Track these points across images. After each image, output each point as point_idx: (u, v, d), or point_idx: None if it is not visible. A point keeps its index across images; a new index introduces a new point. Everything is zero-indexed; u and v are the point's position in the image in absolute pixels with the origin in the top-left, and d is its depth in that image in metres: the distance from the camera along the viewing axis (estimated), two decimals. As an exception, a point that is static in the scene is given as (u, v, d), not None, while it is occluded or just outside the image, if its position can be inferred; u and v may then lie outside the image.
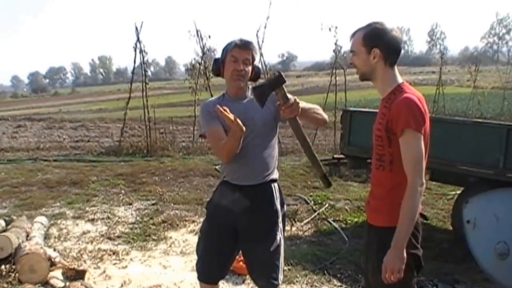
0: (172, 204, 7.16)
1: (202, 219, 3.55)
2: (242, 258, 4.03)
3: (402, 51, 2.57)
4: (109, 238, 5.76)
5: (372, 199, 2.64)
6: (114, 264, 5.02)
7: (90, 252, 5.29)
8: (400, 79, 2.50)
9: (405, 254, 2.36)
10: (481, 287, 4.52)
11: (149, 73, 13.51)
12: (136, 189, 8.08)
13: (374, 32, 2.46)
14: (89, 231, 5.99)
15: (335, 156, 9.63)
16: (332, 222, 6.29)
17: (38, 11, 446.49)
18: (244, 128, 2.77)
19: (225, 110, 2.76)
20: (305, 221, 6.33)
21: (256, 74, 3.14)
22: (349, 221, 6.35)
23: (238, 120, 2.75)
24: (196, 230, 5.89)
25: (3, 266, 4.40)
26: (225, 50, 3.04)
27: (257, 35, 12.21)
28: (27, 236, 5.00)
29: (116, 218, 6.49)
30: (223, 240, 3.17)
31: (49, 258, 4.44)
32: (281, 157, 10.17)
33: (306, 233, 6.00)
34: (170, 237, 5.80)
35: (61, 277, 4.34)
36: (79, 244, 5.56)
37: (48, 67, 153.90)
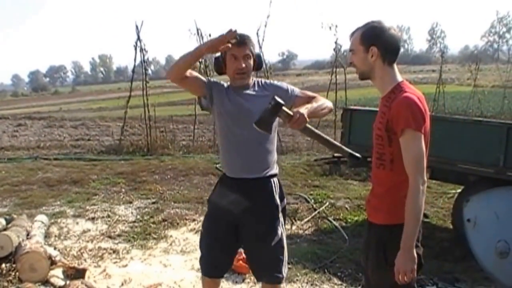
0: (172, 203, 7.16)
1: (202, 218, 3.57)
2: (241, 257, 4.05)
3: (402, 50, 2.57)
4: (110, 237, 5.76)
5: (372, 197, 2.64)
6: (115, 262, 5.02)
7: (91, 250, 5.29)
8: (399, 78, 2.50)
9: (415, 254, 2.36)
10: (482, 286, 4.52)
11: (149, 71, 13.51)
12: (137, 187, 8.08)
13: (372, 30, 2.47)
14: (89, 230, 5.99)
15: (335, 154, 9.63)
16: (332, 220, 6.29)
17: (38, 9, 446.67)
18: (223, 37, 2.80)
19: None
20: (305, 220, 6.33)
21: (258, 64, 3.15)
22: (349, 220, 6.35)
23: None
24: (196, 228, 5.90)
25: (3, 265, 4.40)
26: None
27: (257, 33, 12.18)
28: (28, 234, 5.00)
29: (117, 217, 6.49)
30: (225, 236, 3.20)
31: (50, 257, 4.44)
32: (281, 155, 10.17)
33: (306, 232, 6.01)
34: (171, 236, 5.80)
35: (61, 276, 4.35)
36: (79, 242, 5.56)
37: (49, 66, 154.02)
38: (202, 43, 3.07)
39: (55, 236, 5.73)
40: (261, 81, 3.23)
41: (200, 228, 3.47)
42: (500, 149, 4.90)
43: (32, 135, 16.02)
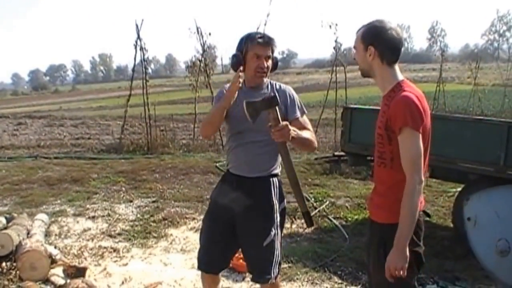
0: (172, 202, 7.16)
1: (202, 217, 3.57)
2: (242, 255, 4.06)
3: (402, 49, 2.56)
4: (110, 236, 5.76)
5: (374, 195, 2.65)
6: (115, 261, 5.03)
7: (91, 249, 5.29)
8: (400, 77, 2.50)
9: (408, 253, 2.37)
10: (482, 285, 4.51)
11: (149, 70, 13.54)
12: (137, 186, 8.09)
13: (372, 30, 2.48)
14: (89, 229, 6.00)
15: (336, 153, 9.64)
16: (332, 219, 6.29)
17: (38, 8, 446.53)
18: (240, 81, 2.94)
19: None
20: (305, 219, 6.32)
21: (274, 66, 3.17)
22: (349, 218, 6.35)
23: (241, 74, 2.92)
24: (196, 227, 5.90)
25: (4, 264, 4.40)
26: (246, 45, 3.05)
27: (257, 32, 12.17)
28: (28, 233, 5.00)
29: (117, 216, 6.49)
30: (223, 231, 3.22)
31: (50, 256, 4.44)
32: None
33: (306, 231, 6.00)
34: (171, 235, 5.80)
35: (61, 275, 4.35)
36: (79, 241, 5.57)
37: (49, 65, 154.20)
38: (217, 101, 3.10)
39: (56, 235, 5.73)
40: (276, 84, 3.24)
41: (200, 226, 3.48)
42: (501, 147, 4.91)
43: (32, 134, 16.02)
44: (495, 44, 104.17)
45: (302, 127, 3.13)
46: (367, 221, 2.75)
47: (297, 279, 4.60)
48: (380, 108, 2.54)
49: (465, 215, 4.76)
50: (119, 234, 5.82)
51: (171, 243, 5.56)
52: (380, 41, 2.45)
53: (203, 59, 12.73)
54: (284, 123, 2.80)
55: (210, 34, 12.70)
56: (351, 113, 6.66)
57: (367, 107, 8.54)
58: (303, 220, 6.15)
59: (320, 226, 6.14)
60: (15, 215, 5.59)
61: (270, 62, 3.09)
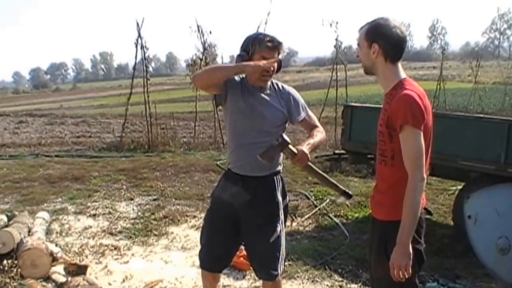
0: (173, 200, 7.17)
1: (203, 214, 3.58)
2: (242, 253, 4.06)
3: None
4: (111, 233, 5.77)
5: (376, 193, 2.66)
6: (116, 259, 5.04)
7: (92, 247, 5.30)
8: (403, 75, 2.50)
9: (410, 250, 2.37)
10: (482, 282, 4.52)
11: (150, 68, 13.57)
12: (138, 184, 8.10)
13: (376, 27, 2.47)
14: (90, 227, 6.01)
15: (336, 151, 9.64)
16: (333, 217, 6.29)
17: (39, 6, 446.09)
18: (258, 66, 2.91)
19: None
20: (306, 217, 6.34)
21: (278, 68, 3.15)
22: (350, 216, 6.36)
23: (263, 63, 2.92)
24: (197, 225, 5.91)
25: (5, 261, 4.40)
26: (253, 47, 3.02)
27: (257, 30, 12.18)
28: (29, 231, 5.01)
29: (118, 214, 6.50)
30: (226, 230, 3.22)
31: (51, 253, 4.45)
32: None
33: (307, 229, 6.01)
34: (172, 232, 5.81)
35: (63, 272, 4.36)
36: (80, 239, 5.58)
37: (50, 63, 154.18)
38: (242, 63, 3.04)
39: (57, 232, 5.74)
40: (279, 85, 3.23)
41: (201, 224, 3.48)
42: (501, 145, 4.90)
43: (33, 132, 16.05)
44: (496, 42, 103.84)
45: (310, 126, 3.22)
46: (367, 219, 2.76)
47: (297, 277, 4.61)
48: (382, 106, 2.55)
49: (466, 213, 4.76)
50: (120, 232, 5.83)
51: (171, 241, 5.57)
52: (384, 39, 2.44)
53: (203, 57, 12.74)
54: (299, 151, 2.85)
55: (210, 32, 12.72)
56: (352, 111, 6.65)
57: (367, 105, 8.53)
58: (303, 218, 6.24)
59: (321, 224, 6.14)
60: (16, 213, 5.60)
61: (275, 65, 3.07)
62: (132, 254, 5.16)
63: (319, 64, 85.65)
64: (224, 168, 8.33)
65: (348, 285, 4.47)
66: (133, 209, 6.74)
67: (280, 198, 3.18)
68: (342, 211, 6.52)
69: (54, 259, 4.47)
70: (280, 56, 3.10)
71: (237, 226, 3.19)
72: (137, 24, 11.76)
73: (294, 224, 6.11)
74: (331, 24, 12.92)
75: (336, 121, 12.33)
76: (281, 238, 3.16)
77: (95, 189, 7.79)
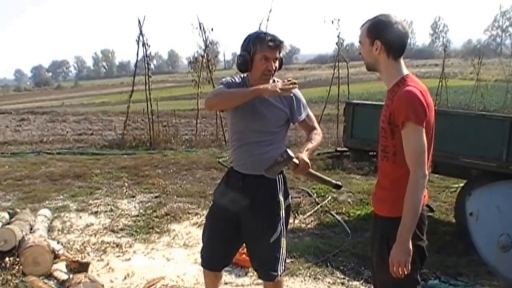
0: (175, 197, 7.17)
1: (205, 212, 3.58)
2: (244, 251, 4.07)
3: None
4: (113, 231, 5.78)
5: (378, 189, 2.66)
6: (118, 256, 5.04)
7: (94, 244, 5.31)
8: (405, 71, 2.50)
9: (411, 247, 2.37)
10: (484, 280, 4.51)
11: (151, 66, 13.53)
12: (139, 182, 8.10)
13: (378, 24, 2.47)
14: (92, 224, 6.01)
15: (338, 149, 9.63)
16: (335, 214, 6.29)
17: (41, 4, 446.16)
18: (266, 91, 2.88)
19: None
20: (308, 214, 6.34)
21: (280, 65, 3.15)
22: (352, 214, 6.35)
23: (281, 87, 2.88)
24: (199, 222, 5.91)
25: (7, 259, 4.41)
26: (254, 46, 3.00)
27: (259, 28, 12.18)
28: (31, 228, 5.01)
29: (119, 211, 6.51)
30: (227, 229, 3.22)
31: (53, 251, 4.46)
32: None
33: (309, 226, 6.01)
34: (173, 230, 5.81)
35: (64, 270, 4.36)
36: (82, 236, 5.58)
37: (51, 61, 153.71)
38: (260, 87, 2.99)
39: (58, 230, 5.75)
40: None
41: (203, 221, 3.49)
42: (503, 143, 4.89)
43: (35, 130, 16.05)
44: (498, 40, 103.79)
45: (309, 127, 3.25)
46: (369, 217, 2.76)
47: (299, 274, 4.61)
48: (384, 102, 2.55)
49: (467, 210, 4.76)
50: (122, 229, 5.84)
51: (173, 238, 5.57)
52: (386, 35, 2.44)
53: (205, 54, 12.73)
54: (301, 160, 2.90)
55: (212, 29, 12.68)
56: (354, 108, 6.63)
57: (369, 102, 8.52)
58: (305, 216, 6.24)
59: (323, 221, 6.14)
60: (18, 210, 5.61)
61: (277, 64, 3.07)
62: (134, 252, 5.17)
63: (321, 61, 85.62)
64: (226, 165, 8.33)
65: (350, 283, 4.47)
66: (134, 207, 6.74)
67: (281, 198, 3.17)
68: (344, 209, 6.52)
69: (56, 257, 4.47)
70: (280, 54, 3.09)
71: (238, 226, 3.19)
72: (139, 21, 11.76)
73: (296, 221, 6.11)
74: (333, 21, 12.90)
75: (338, 119, 12.31)
76: (281, 238, 3.16)
77: (96, 186, 7.79)
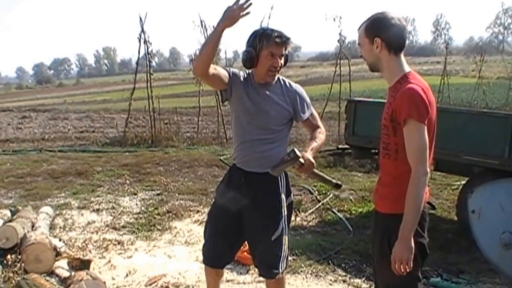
0: (176, 194, 7.17)
1: (206, 209, 3.58)
2: (246, 248, 4.07)
3: (407, 41, 2.56)
4: (114, 228, 5.79)
5: (379, 186, 2.66)
6: (119, 254, 5.04)
7: (95, 242, 5.31)
8: (407, 68, 2.49)
9: (413, 244, 2.37)
10: (486, 277, 4.50)
11: (153, 63, 13.51)
12: (141, 179, 8.11)
13: (375, 22, 2.47)
14: (94, 221, 6.02)
15: (340, 146, 9.63)
16: (336, 212, 6.29)
17: (43, 2, 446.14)
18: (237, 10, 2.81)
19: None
20: (309, 211, 6.34)
21: (285, 61, 3.13)
22: (353, 211, 6.35)
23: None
24: (201, 220, 5.91)
25: (9, 256, 4.42)
26: (260, 42, 2.98)
27: (261, 25, 12.15)
28: (33, 226, 5.02)
29: (121, 208, 6.51)
30: (229, 226, 3.22)
31: (55, 248, 4.46)
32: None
33: (310, 223, 6.01)
34: (175, 227, 5.81)
35: (66, 267, 4.36)
36: (84, 234, 5.59)
37: (53, 58, 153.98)
38: (219, 21, 2.91)
39: (60, 227, 5.75)
40: (286, 82, 3.21)
41: (205, 219, 3.49)
42: (505, 140, 4.89)
43: (36, 127, 16.05)
44: (500, 37, 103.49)
45: (313, 126, 3.27)
46: (371, 214, 2.75)
47: (301, 271, 4.61)
48: (386, 99, 2.54)
49: (469, 208, 4.75)
50: (124, 226, 5.84)
51: (175, 235, 5.58)
52: (385, 32, 2.44)
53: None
54: (306, 160, 2.90)
55: (213, 27, 12.66)
56: (355, 106, 6.63)
57: (371, 100, 8.50)
58: (307, 213, 6.24)
59: (324, 219, 6.14)
60: (20, 208, 5.62)
61: (282, 60, 3.06)
62: (136, 249, 5.17)
63: (322, 59, 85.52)
64: (227, 163, 8.33)
65: (352, 280, 4.47)
66: (136, 204, 6.75)
67: (283, 196, 3.17)
68: (345, 206, 6.52)
69: (58, 254, 4.48)
70: (286, 51, 3.08)
71: (240, 223, 3.19)
72: (140, 19, 11.76)
73: (297, 219, 6.10)
74: (334, 19, 12.88)
75: (340, 116, 12.29)
76: (283, 236, 3.16)
77: (98, 184, 7.80)
